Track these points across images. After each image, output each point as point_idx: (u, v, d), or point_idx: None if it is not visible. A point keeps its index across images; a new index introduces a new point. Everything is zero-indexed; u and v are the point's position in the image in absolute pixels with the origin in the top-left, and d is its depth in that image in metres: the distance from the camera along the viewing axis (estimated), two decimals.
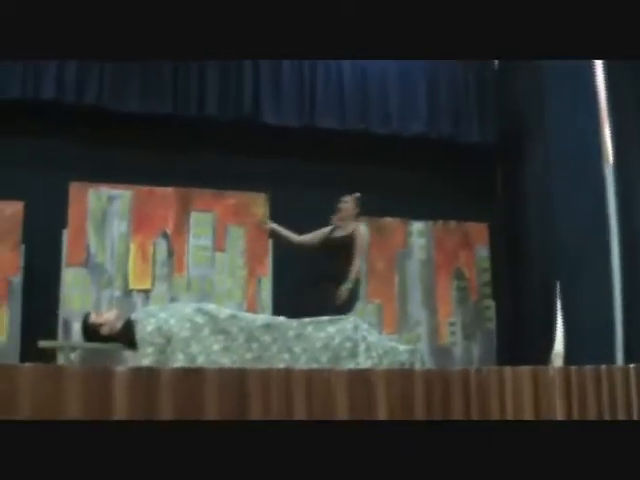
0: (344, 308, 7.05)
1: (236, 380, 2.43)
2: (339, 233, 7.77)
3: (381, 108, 8.98)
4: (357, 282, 7.61)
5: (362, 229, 7.70)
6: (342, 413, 2.56)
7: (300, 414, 2.49)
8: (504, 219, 9.42)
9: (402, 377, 2.74)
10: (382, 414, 2.64)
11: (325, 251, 7.79)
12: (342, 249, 7.54)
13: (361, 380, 2.64)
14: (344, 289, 7.29)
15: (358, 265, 7.48)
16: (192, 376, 2.42)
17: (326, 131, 8.80)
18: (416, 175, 9.18)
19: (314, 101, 8.80)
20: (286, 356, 5.32)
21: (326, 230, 7.91)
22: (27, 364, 2.38)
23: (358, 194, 7.80)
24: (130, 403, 2.36)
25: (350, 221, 7.72)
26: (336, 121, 8.82)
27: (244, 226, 8.38)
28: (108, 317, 5.91)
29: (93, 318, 5.93)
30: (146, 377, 2.38)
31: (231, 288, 8.20)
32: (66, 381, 2.33)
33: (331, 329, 5.52)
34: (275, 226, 8.13)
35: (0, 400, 2.30)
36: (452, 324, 9.00)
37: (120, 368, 2.40)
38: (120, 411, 2.34)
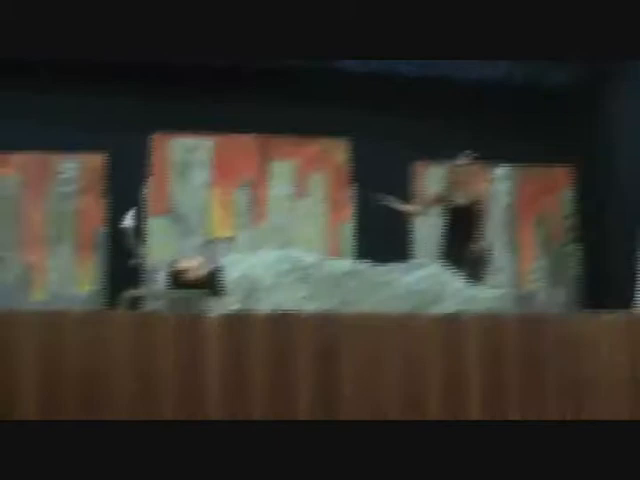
0: (475, 271, 6.71)
1: (328, 324, 2.42)
2: (461, 199, 7.27)
3: None
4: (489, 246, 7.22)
5: (485, 191, 7.32)
6: (434, 357, 2.53)
7: (394, 359, 2.47)
8: (589, 163, 9.17)
9: (495, 321, 2.69)
10: (473, 359, 2.60)
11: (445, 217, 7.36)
12: (465, 213, 7.12)
13: (454, 324, 2.60)
14: (478, 249, 6.93)
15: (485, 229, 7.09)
16: (284, 321, 2.41)
17: (407, 77, 8.63)
18: (500, 119, 8.97)
19: None
20: (371, 302, 5.27)
21: (439, 194, 7.46)
22: (120, 311, 2.40)
23: (470, 152, 7.30)
24: (222, 348, 2.36)
25: (469, 184, 7.33)
26: (416, 67, 8.64)
27: (325, 172, 8.34)
28: (193, 264, 5.94)
29: (178, 266, 5.96)
30: (238, 322, 2.38)
31: (313, 235, 8.21)
32: (159, 328, 2.35)
33: (415, 275, 5.44)
34: (388, 201, 7.65)
35: (94, 345, 2.33)
36: (536, 270, 8.86)
37: (212, 314, 2.40)
38: (212, 356, 2.35)
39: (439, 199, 7.40)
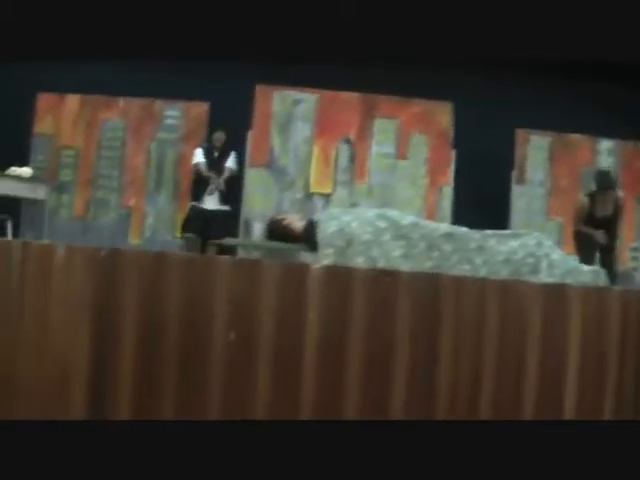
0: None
1: (430, 285, 2.39)
2: (603, 213, 7.30)
3: None
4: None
5: (621, 199, 7.33)
6: (534, 327, 2.48)
7: (492, 324, 2.43)
8: None
9: (598, 295, 2.62)
10: (575, 330, 2.54)
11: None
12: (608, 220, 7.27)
13: (556, 295, 2.54)
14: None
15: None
16: (386, 278, 2.39)
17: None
18: (610, 92, 8.71)
19: None
20: (466, 267, 5.22)
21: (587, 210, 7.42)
22: (224, 257, 2.42)
23: (609, 169, 7.39)
24: (324, 300, 2.36)
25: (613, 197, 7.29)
26: None
27: (427, 134, 8.26)
28: (292, 218, 5.97)
29: (278, 219, 6.00)
30: (340, 274, 2.37)
31: (412, 196, 8.16)
32: (263, 274, 2.35)
33: (514, 243, 5.36)
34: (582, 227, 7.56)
35: (198, 291, 2.35)
36: (635, 249, 8.63)
37: (315, 265, 2.40)
38: (314, 307, 2.35)
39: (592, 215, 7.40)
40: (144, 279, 2.38)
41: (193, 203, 7.98)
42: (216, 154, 8.02)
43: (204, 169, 7.86)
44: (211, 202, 7.91)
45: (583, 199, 7.26)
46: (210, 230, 7.96)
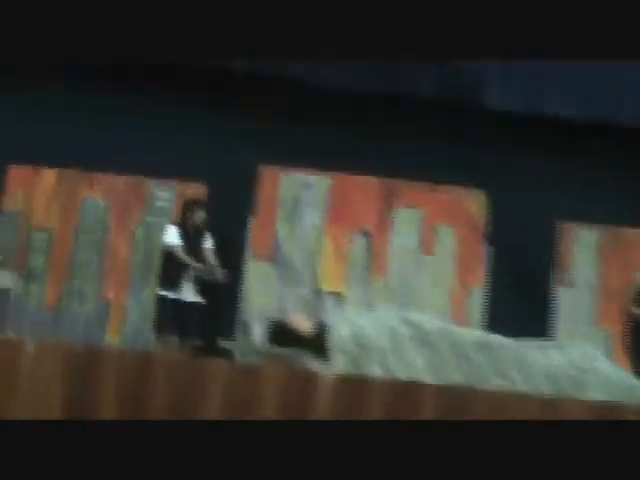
0: None
1: (460, 399, 2.36)
2: None
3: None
4: None
5: None
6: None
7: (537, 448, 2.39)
8: None
9: None
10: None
11: None
12: None
13: (609, 414, 2.50)
14: None
15: None
16: (409, 390, 2.37)
17: (558, 119, 8.33)
18: None
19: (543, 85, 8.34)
20: (501, 382, 5.18)
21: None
22: (220, 360, 2.41)
23: None
24: (336, 415, 2.34)
25: None
26: (575, 109, 8.31)
27: (456, 226, 8.28)
28: (299, 320, 5.96)
29: (283, 321, 6.00)
30: (356, 386, 2.35)
31: (437, 298, 8.14)
32: (264, 382, 2.33)
33: (556, 355, 5.33)
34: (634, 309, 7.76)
35: (187, 399, 2.33)
36: None
37: (326, 373, 2.38)
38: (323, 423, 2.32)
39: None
40: (126, 381, 2.36)
41: (163, 293, 7.88)
42: (192, 234, 8.01)
43: (181, 253, 7.79)
44: (188, 293, 7.86)
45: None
46: (187, 327, 7.93)
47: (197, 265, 7.81)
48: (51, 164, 8.55)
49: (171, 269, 7.85)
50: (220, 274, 7.83)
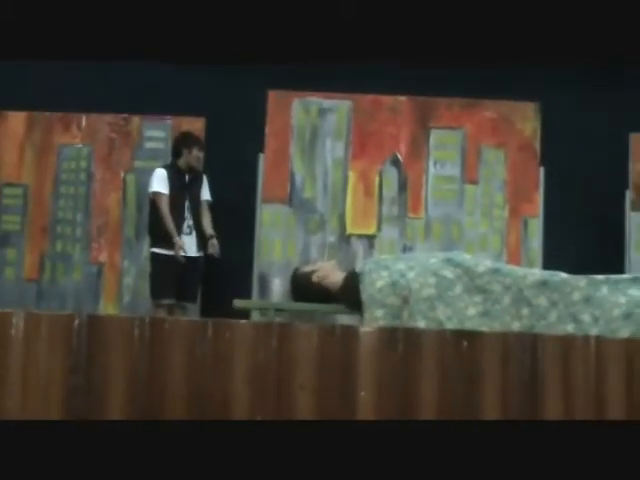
0: None
1: (526, 349, 2.40)
2: None
3: None
4: None
5: None
6: None
7: (615, 399, 2.43)
8: None
9: None
10: None
11: None
12: None
13: None
14: None
15: None
16: (465, 341, 2.40)
17: None
18: None
19: None
20: (570, 326, 5.22)
21: None
22: (244, 321, 2.44)
23: None
24: (379, 374, 2.38)
25: None
26: None
27: (505, 148, 8.27)
28: (325, 269, 5.99)
29: (306, 271, 6.03)
30: (403, 340, 2.38)
31: (486, 233, 8.14)
32: (296, 341, 2.38)
33: (636, 292, 5.35)
34: None
35: (208, 366, 2.38)
36: None
37: (366, 327, 2.42)
38: (365, 383, 2.37)
39: None
40: (136, 352, 2.41)
41: (156, 250, 7.92)
42: (187, 178, 8.04)
43: (164, 204, 7.78)
44: (189, 246, 7.91)
45: None
46: (188, 287, 8.06)
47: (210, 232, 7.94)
48: (19, 106, 8.56)
49: (159, 221, 7.93)
50: (215, 248, 7.90)
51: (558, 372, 2.39)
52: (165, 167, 8.00)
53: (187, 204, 7.95)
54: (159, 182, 7.90)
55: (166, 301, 7.80)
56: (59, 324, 2.45)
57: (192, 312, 7.94)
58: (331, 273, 5.90)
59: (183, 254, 7.74)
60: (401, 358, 2.37)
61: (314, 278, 5.84)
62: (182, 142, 8.11)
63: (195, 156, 8.00)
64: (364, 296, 5.40)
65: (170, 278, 7.82)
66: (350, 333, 2.38)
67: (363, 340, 2.38)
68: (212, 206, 8.10)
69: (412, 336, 2.41)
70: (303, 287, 5.96)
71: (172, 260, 7.79)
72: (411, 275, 5.40)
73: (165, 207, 7.82)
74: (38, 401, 2.43)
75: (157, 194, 7.88)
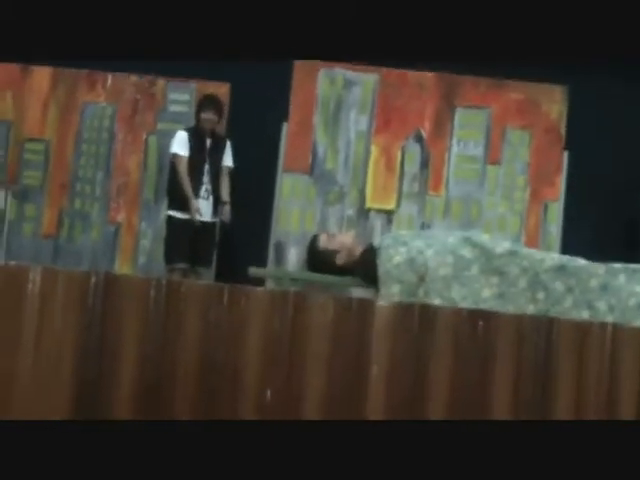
0: None
1: (541, 332, 2.40)
2: None
3: None
4: None
5: None
6: None
7: (627, 385, 2.44)
8: None
9: None
10: None
11: None
12: None
13: None
14: None
15: None
16: (480, 321, 2.41)
17: None
18: None
19: None
20: (585, 313, 5.21)
21: None
22: (260, 288, 2.45)
23: None
24: (393, 350, 2.38)
25: None
26: None
27: (530, 130, 8.24)
28: (343, 241, 5.98)
29: (324, 241, 6.01)
30: (418, 316, 2.39)
31: (505, 214, 8.14)
32: (311, 311, 2.38)
33: None
34: None
35: (223, 332, 2.39)
36: None
37: (382, 302, 2.42)
38: (379, 358, 2.37)
39: None
40: (148, 313, 2.42)
41: (172, 213, 7.95)
42: (208, 143, 8.03)
43: (183, 167, 7.79)
44: (205, 210, 7.91)
45: None
46: (200, 253, 8.06)
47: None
48: (44, 61, 8.56)
49: (178, 184, 7.90)
50: (226, 214, 7.90)
51: (573, 357, 2.40)
52: (187, 130, 8.00)
53: (206, 168, 7.94)
54: (179, 144, 7.90)
55: (179, 265, 7.82)
56: (76, 281, 2.46)
57: (206, 278, 7.95)
58: (350, 246, 5.89)
59: (199, 217, 7.75)
60: (416, 334, 2.38)
61: (331, 250, 5.84)
62: (198, 103, 8.14)
63: (205, 118, 7.98)
64: (381, 271, 5.39)
65: (184, 243, 7.83)
66: (366, 307, 2.39)
67: (378, 314, 2.38)
68: (233, 172, 8.07)
69: (428, 313, 2.42)
70: (321, 258, 5.96)
71: (187, 224, 7.79)
72: (429, 253, 5.39)
73: (183, 169, 7.82)
74: (51, 358, 2.44)
75: (176, 156, 7.89)
